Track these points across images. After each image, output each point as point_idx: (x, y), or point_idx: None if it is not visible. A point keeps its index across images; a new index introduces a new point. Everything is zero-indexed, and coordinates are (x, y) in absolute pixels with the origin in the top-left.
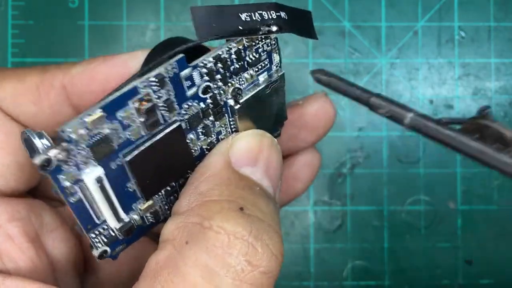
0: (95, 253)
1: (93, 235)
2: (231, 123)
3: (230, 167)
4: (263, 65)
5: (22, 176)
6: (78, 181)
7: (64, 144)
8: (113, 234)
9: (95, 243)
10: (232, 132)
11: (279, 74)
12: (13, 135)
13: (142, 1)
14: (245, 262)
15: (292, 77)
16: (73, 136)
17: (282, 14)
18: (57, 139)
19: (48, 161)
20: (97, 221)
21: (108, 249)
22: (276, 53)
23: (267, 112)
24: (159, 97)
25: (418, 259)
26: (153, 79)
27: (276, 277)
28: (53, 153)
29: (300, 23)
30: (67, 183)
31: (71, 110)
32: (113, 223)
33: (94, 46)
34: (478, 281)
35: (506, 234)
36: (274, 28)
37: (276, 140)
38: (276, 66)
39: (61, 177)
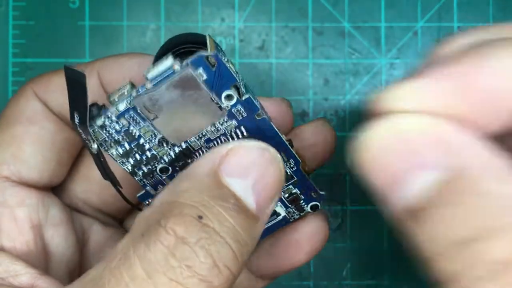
0: None
1: None
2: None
3: (214, 174)
4: None
5: (46, 171)
6: None
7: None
8: None
9: None
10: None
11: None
12: (47, 130)
13: (142, 1)
14: (185, 266)
15: (292, 77)
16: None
17: None
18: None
19: None
20: None
21: None
22: None
23: None
24: None
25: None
26: None
27: None
28: None
29: None
30: None
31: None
32: None
33: (94, 46)
34: None
35: None
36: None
37: (280, 157)
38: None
39: None
